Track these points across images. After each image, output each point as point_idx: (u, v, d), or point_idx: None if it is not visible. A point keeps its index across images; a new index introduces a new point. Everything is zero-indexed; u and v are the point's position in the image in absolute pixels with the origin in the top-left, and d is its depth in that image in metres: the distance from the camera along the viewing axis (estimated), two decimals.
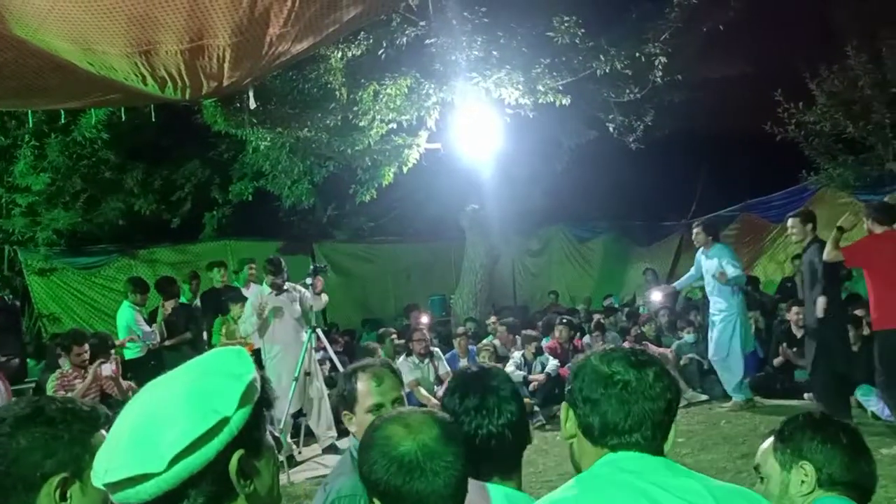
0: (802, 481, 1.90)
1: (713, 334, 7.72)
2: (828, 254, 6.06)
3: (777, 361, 8.19)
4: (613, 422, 1.45)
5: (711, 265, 7.63)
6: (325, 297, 7.34)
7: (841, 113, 8.76)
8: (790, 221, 6.82)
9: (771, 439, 2.06)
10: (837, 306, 6.76)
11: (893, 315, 5.82)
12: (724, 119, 12.19)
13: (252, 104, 4.95)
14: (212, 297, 8.74)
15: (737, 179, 13.41)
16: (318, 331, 6.97)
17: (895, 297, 5.85)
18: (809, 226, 6.70)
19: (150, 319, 7.96)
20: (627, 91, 9.39)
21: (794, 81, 9.07)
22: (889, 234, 6.04)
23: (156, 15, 3.41)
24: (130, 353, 7.68)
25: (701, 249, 7.83)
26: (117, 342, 7.35)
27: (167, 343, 7.84)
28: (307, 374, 6.76)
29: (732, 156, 13.32)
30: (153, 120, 6.27)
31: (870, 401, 6.64)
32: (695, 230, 7.86)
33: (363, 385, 2.39)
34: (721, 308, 7.67)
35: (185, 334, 7.98)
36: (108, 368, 6.55)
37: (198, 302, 8.90)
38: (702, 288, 11.32)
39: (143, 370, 7.44)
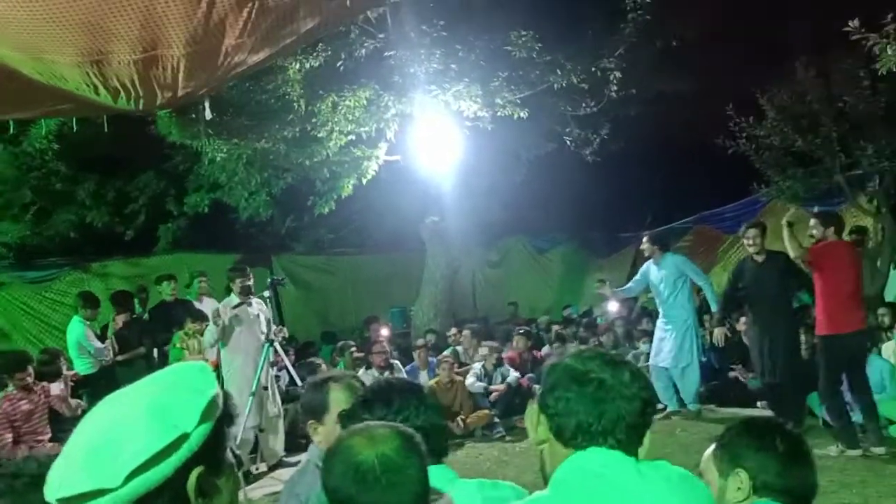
0: (738, 488, 1.89)
1: (669, 344, 7.82)
2: (794, 252, 6.21)
3: (732, 375, 8.34)
4: (587, 422, 1.40)
5: (663, 276, 7.76)
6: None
7: (790, 127, 8.96)
8: (751, 231, 6.96)
9: (713, 446, 2.07)
10: (790, 314, 6.95)
11: (837, 321, 6.00)
12: (678, 132, 12.46)
13: (208, 115, 4.88)
14: (162, 310, 8.55)
15: (691, 191, 13.67)
16: (276, 344, 6.88)
17: (840, 303, 6.05)
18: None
19: (102, 334, 7.77)
20: (584, 105, 9.54)
21: (744, 96, 9.27)
22: (840, 243, 6.26)
23: (108, 24, 3.36)
24: (82, 370, 7.49)
25: (651, 260, 7.96)
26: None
27: (120, 358, 7.66)
28: (265, 388, 6.67)
29: (687, 168, 13.58)
30: (106, 131, 6.15)
31: (822, 407, 6.80)
32: (644, 242, 8.01)
33: (338, 395, 2.36)
34: (677, 317, 7.79)
35: (139, 349, 7.81)
36: (56, 387, 6.39)
37: (147, 315, 8.70)
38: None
39: (95, 387, 7.26)
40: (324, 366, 9.12)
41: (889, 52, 5.15)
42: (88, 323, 7.58)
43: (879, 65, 5.31)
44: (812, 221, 6.34)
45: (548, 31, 8.32)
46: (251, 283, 6.96)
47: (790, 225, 6.32)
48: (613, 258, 15.71)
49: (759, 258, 6.85)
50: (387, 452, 1.39)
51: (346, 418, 1.87)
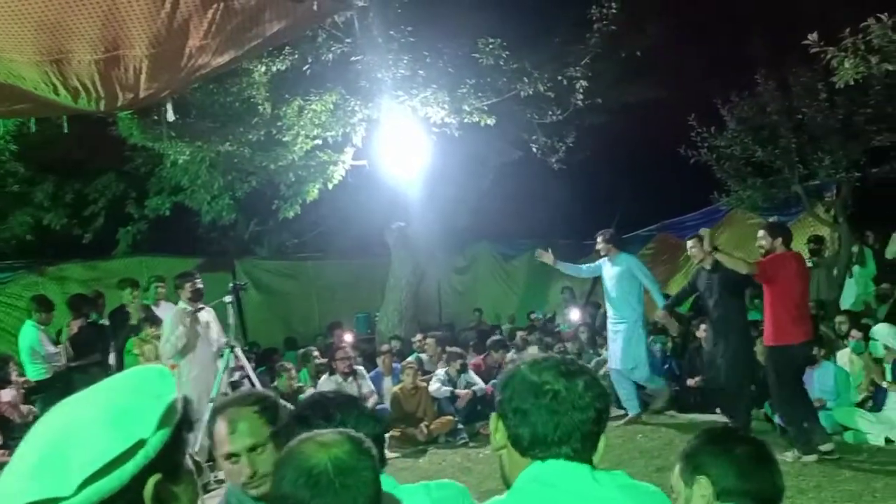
0: (702, 495, 1.91)
1: (617, 345, 7.84)
2: (745, 269, 6.26)
3: (691, 382, 8.44)
4: (543, 433, 1.43)
5: (615, 273, 7.82)
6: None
7: (750, 137, 9.14)
8: (690, 242, 7.14)
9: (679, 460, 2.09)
10: (739, 321, 7.10)
11: (786, 332, 6.11)
12: (642, 141, 12.64)
13: (170, 117, 4.80)
14: (121, 315, 8.38)
15: (655, 200, 13.87)
16: (237, 350, 6.78)
17: (789, 314, 6.16)
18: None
19: (56, 339, 7.61)
20: (550, 113, 9.61)
21: (706, 107, 9.45)
22: (789, 255, 6.38)
23: (68, 23, 3.29)
24: (35, 375, 7.30)
25: (606, 257, 8.00)
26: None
27: (74, 364, 7.49)
28: (224, 395, 6.57)
29: (651, 177, 13.78)
30: (66, 131, 6.02)
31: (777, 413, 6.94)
32: (599, 240, 7.99)
33: (218, 429, 2.15)
34: (627, 317, 7.85)
35: (94, 355, 7.65)
36: (7, 393, 6.24)
37: (105, 321, 8.52)
38: None
39: (49, 393, 7.09)
40: (293, 371, 9.04)
41: (846, 65, 5.27)
42: (42, 327, 7.41)
43: (837, 78, 5.43)
44: (760, 233, 6.39)
45: (515, 39, 8.38)
46: (202, 287, 6.82)
47: (716, 249, 6.47)
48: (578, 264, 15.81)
49: (707, 266, 6.98)
50: (339, 455, 1.38)
51: (279, 437, 1.83)
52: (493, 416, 1.55)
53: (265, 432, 2.14)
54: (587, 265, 8.42)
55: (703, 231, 6.58)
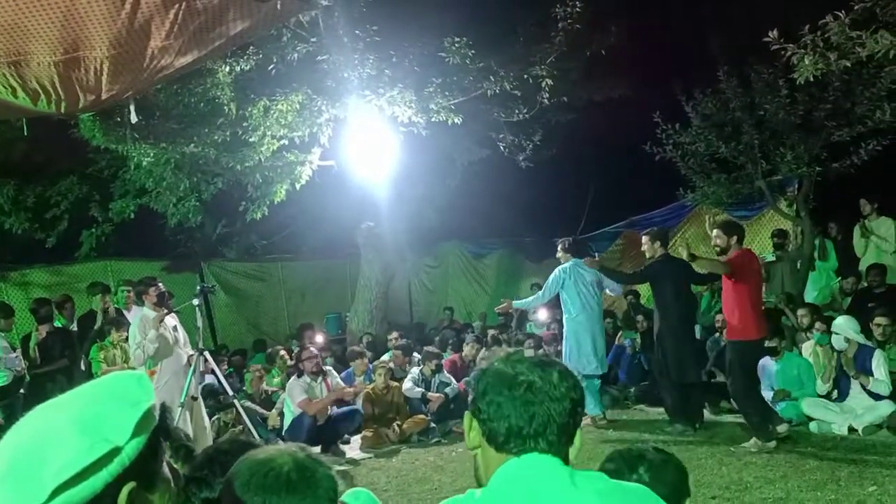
0: None
1: (569, 348, 7.85)
2: (720, 269, 6.45)
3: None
4: (518, 425, 1.40)
5: (591, 280, 7.89)
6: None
7: (714, 134, 9.25)
8: (644, 238, 7.44)
9: None
10: (690, 318, 7.44)
11: (752, 327, 6.28)
12: (608, 139, 12.75)
13: (133, 118, 4.75)
14: (90, 321, 8.26)
15: (622, 197, 13.99)
16: (206, 353, 6.71)
17: (756, 310, 6.37)
18: (658, 243, 7.35)
19: (24, 345, 7.46)
20: (517, 111, 9.66)
21: (671, 104, 9.56)
22: (750, 252, 6.64)
23: (26, 24, 3.23)
24: None
25: (580, 263, 8.01)
26: None
27: (40, 371, 7.35)
28: (193, 398, 6.50)
29: (617, 174, 13.90)
30: (25, 134, 5.92)
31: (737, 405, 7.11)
32: (559, 248, 8.10)
33: None
34: (598, 320, 7.95)
35: (61, 361, 7.51)
36: None
37: (74, 326, 8.38)
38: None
39: (13, 399, 6.96)
40: (260, 373, 8.98)
41: (806, 62, 5.36)
42: (3, 333, 7.27)
43: (797, 75, 5.52)
44: (715, 232, 6.55)
45: (480, 38, 8.40)
46: (165, 290, 6.73)
47: (693, 257, 6.64)
48: (547, 263, 15.86)
49: (658, 259, 7.26)
50: (298, 457, 1.38)
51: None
52: (467, 414, 1.52)
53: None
54: (548, 287, 8.03)
55: (681, 249, 6.75)
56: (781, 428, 6.25)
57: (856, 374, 6.71)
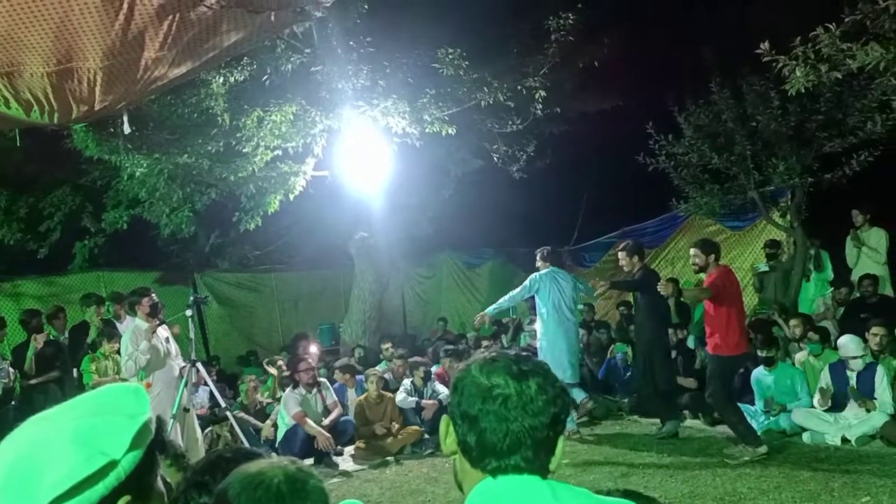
0: None
1: (542, 356, 7.86)
2: (702, 294, 6.60)
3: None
4: (491, 441, 1.33)
5: (570, 287, 7.93)
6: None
7: (707, 145, 9.31)
8: (620, 254, 7.54)
9: None
10: (659, 327, 7.56)
11: (738, 343, 6.38)
12: (601, 150, 12.81)
13: (127, 129, 4.73)
14: (83, 331, 8.21)
15: (615, 207, 14.02)
16: (198, 364, 6.68)
17: (741, 326, 6.47)
18: (636, 257, 7.43)
19: (20, 355, 7.42)
20: (510, 122, 9.70)
21: (663, 115, 9.61)
22: (728, 269, 6.73)
23: (19, 35, 3.22)
24: None
25: (558, 270, 8.07)
26: None
27: (32, 382, 7.30)
28: (186, 410, 6.47)
29: (611, 184, 13.93)
30: (18, 144, 5.90)
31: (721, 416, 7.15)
32: (537, 256, 8.13)
33: None
34: (574, 330, 8.00)
35: (52, 372, 7.47)
36: None
37: (65, 337, 8.33)
38: (581, 311, 11.72)
39: (3, 410, 6.92)
40: (254, 383, 8.94)
41: (797, 73, 5.41)
42: None
43: (789, 86, 5.56)
44: (692, 251, 6.63)
45: (474, 49, 8.44)
46: (158, 301, 6.70)
47: (679, 293, 6.98)
48: None
49: (636, 274, 7.33)
50: (289, 470, 1.38)
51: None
52: (444, 418, 1.46)
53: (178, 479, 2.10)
54: (522, 291, 8.04)
55: (661, 285, 6.73)
56: (761, 448, 6.24)
57: (861, 402, 6.58)
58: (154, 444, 1.08)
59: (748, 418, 6.88)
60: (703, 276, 6.62)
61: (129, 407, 1.07)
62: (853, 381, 6.74)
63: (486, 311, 8.25)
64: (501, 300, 8.24)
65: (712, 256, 6.45)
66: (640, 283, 7.31)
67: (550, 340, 7.76)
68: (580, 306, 12.25)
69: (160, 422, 1.11)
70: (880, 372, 6.63)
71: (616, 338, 10.22)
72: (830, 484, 5.32)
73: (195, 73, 4.82)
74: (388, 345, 10.40)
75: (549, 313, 7.79)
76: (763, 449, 6.13)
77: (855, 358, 6.72)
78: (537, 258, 8.12)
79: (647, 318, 7.37)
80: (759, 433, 6.54)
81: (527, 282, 7.97)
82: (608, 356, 9.53)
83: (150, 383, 6.44)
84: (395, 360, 9.36)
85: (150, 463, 1.08)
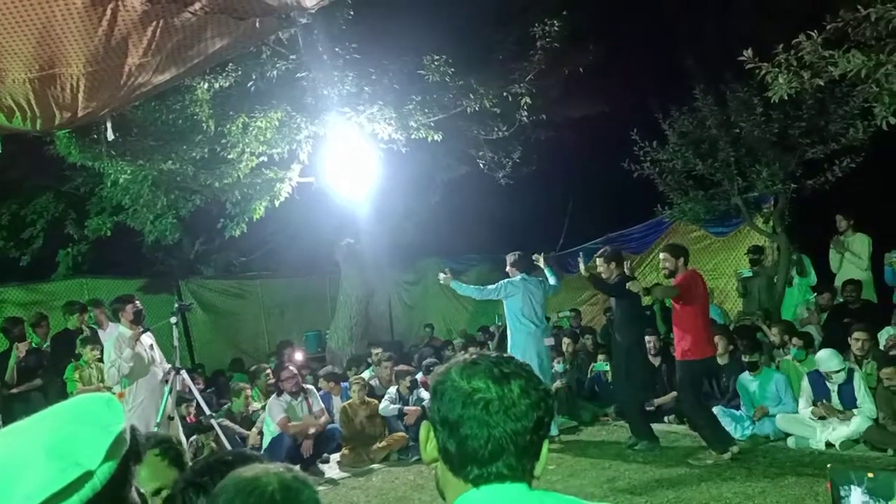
0: None
1: (539, 363, 7.82)
2: (668, 294, 6.73)
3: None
4: (473, 448, 1.27)
5: (541, 294, 7.98)
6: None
7: (691, 151, 9.37)
8: (598, 260, 7.55)
9: None
10: (642, 336, 7.68)
11: (705, 346, 6.49)
12: (586, 156, 12.86)
13: (110, 135, 4.69)
14: (66, 339, 8.12)
15: (601, 213, 14.07)
16: (183, 372, 6.62)
17: (707, 329, 6.59)
18: (613, 264, 7.45)
19: (1, 364, 7.35)
20: (496, 129, 9.71)
21: (648, 121, 9.67)
22: (697, 273, 6.80)
23: (1, 40, 3.19)
24: None
25: (529, 276, 8.09)
26: None
27: (14, 391, 7.22)
28: (170, 418, 6.41)
29: (596, 190, 13.97)
30: (0, 151, 5.83)
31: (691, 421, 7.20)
32: (507, 262, 8.15)
33: None
34: (543, 336, 8.02)
35: (35, 381, 7.39)
36: None
37: (48, 345, 8.24)
38: (568, 317, 11.74)
39: None
40: (248, 390, 8.85)
41: (780, 80, 5.45)
42: None
43: (771, 93, 5.61)
44: (662, 255, 6.75)
45: (460, 56, 8.44)
46: (142, 308, 6.64)
47: (647, 290, 7.07)
48: None
49: (614, 281, 7.35)
50: (284, 477, 1.37)
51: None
52: (424, 424, 1.39)
53: (170, 474, 2.09)
54: (493, 287, 8.15)
55: (631, 284, 6.88)
56: (734, 448, 6.32)
57: (844, 416, 6.54)
58: (129, 455, 1.06)
59: (730, 422, 6.94)
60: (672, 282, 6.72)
61: (102, 417, 1.05)
62: (835, 396, 6.71)
63: (451, 282, 8.30)
64: (471, 287, 8.30)
65: (682, 260, 6.56)
66: (614, 289, 7.31)
67: (523, 347, 7.74)
68: (566, 313, 12.29)
69: (134, 432, 1.10)
70: (857, 378, 6.67)
71: (602, 342, 10.23)
72: (815, 488, 5.34)
73: (180, 80, 4.79)
74: (378, 350, 10.35)
75: (521, 320, 7.82)
76: (727, 455, 6.20)
77: (837, 372, 6.68)
78: (507, 263, 8.10)
79: (624, 324, 7.37)
80: (744, 438, 6.58)
81: (500, 285, 7.99)
82: (588, 374, 9.50)
83: (124, 394, 6.35)
84: (384, 363, 9.32)
85: (125, 474, 1.06)
